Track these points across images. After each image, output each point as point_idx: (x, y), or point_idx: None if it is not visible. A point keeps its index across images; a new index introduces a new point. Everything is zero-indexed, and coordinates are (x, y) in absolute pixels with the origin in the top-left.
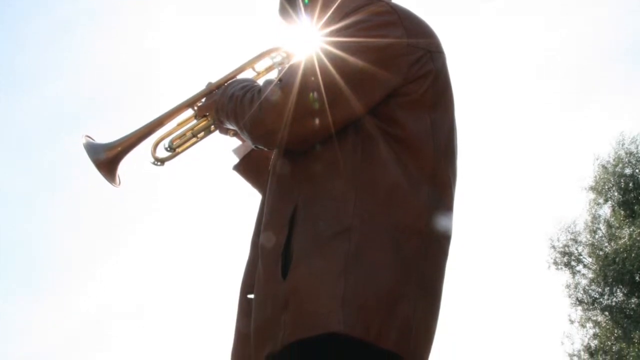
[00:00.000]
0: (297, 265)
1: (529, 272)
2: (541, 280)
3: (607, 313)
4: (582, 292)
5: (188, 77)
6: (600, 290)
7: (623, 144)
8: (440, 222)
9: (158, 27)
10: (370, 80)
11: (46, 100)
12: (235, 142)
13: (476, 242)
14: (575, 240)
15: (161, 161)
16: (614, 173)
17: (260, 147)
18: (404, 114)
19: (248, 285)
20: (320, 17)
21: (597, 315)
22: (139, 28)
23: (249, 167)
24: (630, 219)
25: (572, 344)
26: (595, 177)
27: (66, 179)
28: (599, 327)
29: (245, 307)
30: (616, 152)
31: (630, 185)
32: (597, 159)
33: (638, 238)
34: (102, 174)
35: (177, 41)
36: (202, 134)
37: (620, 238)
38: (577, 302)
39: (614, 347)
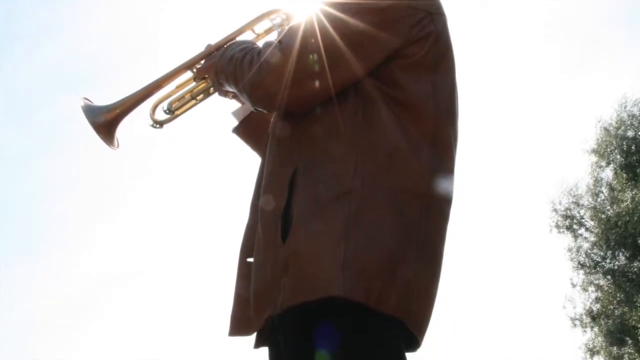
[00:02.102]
0: (296, 228)
1: (530, 235)
2: (543, 243)
3: (609, 277)
4: (584, 255)
5: (187, 38)
6: (602, 253)
7: (625, 107)
8: (441, 185)
9: None
10: (371, 42)
11: (45, 60)
12: (235, 104)
13: (477, 205)
14: (577, 204)
15: (160, 124)
16: (616, 136)
17: (259, 109)
18: (405, 76)
19: (248, 248)
20: None
21: (599, 279)
22: None
23: (248, 129)
24: (633, 182)
25: (574, 308)
26: (598, 139)
27: (65, 141)
28: (601, 291)
29: (244, 271)
30: (618, 115)
31: (633, 148)
32: (599, 122)
33: None
34: (100, 137)
35: (178, 2)
36: (201, 96)
37: (622, 201)
38: (579, 266)
39: (616, 311)
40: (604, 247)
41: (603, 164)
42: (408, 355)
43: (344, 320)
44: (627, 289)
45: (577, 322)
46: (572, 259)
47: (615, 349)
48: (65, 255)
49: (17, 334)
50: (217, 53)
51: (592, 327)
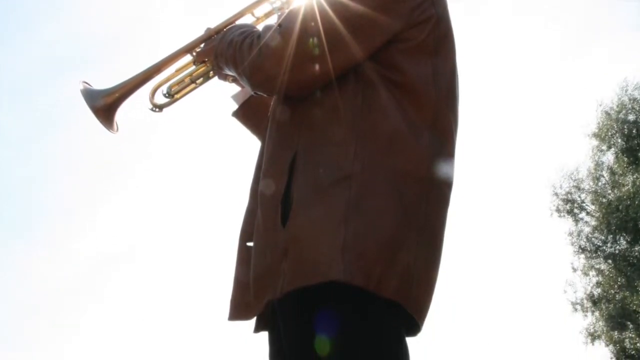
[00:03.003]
0: (296, 213)
1: (531, 219)
2: (543, 227)
3: (610, 261)
4: (585, 239)
5: (187, 21)
6: (603, 238)
7: (626, 90)
8: (442, 168)
9: None
10: (371, 26)
11: (43, 43)
12: (235, 88)
13: (478, 189)
14: (578, 188)
15: (159, 107)
16: (617, 119)
17: (259, 93)
18: (405, 60)
19: (247, 233)
20: None
21: (600, 264)
22: None
23: (248, 113)
24: (634, 166)
25: (574, 292)
26: (599, 123)
27: (63, 124)
28: (602, 276)
29: (244, 255)
30: (619, 99)
31: (634, 131)
32: (600, 105)
33: None
34: (99, 121)
35: None
36: (200, 80)
37: (623, 185)
38: (580, 250)
39: (617, 296)
40: (605, 231)
41: (604, 147)
42: (409, 339)
43: (343, 304)
44: (628, 273)
45: (578, 307)
46: (572, 243)
47: (616, 334)
48: (65, 237)
49: (15, 316)
50: (216, 36)
51: (593, 312)
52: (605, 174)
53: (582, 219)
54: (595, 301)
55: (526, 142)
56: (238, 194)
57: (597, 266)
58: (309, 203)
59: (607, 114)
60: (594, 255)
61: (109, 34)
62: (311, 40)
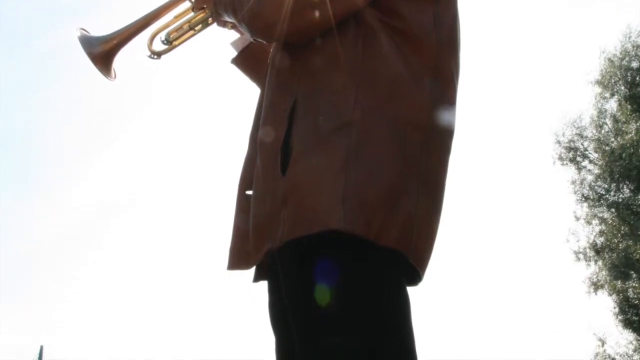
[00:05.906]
0: (296, 160)
1: (533, 167)
2: (546, 176)
3: (613, 209)
4: (587, 188)
5: None
6: (606, 186)
7: (630, 37)
8: (443, 116)
9: None
10: None
11: None
12: (234, 35)
13: (480, 136)
14: (580, 135)
15: (158, 54)
16: (620, 66)
17: (259, 40)
18: (407, 6)
19: (247, 181)
20: None
21: (603, 212)
22: None
23: (247, 60)
24: (637, 114)
25: (577, 241)
26: (602, 70)
27: (61, 72)
28: (605, 224)
29: (243, 204)
30: (623, 45)
31: (637, 79)
32: (603, 52)
33: None
34: (97, 68)
35: None
36: (199, 26)
37: (626, 133)
38: (583, 199)
39: (620, 245)
40: (608, 179)
41: (607, 95)
42: (410, 289)
43: (344, 253)
44: (632, 222)
45: (581, 256)
46: (575, 192)
47: (619, 283)
48: (64, 185)
49: (13, 264)
50: None
51: (596, 261)
52: (609, 121)
53: (585, 167)
54: (598, 250)
55: (529, 89)
56: (237, 141)
57: (600, 215)
58: (309, 151)
59: (610, 61)
60: (597, 203)
61: None
62: None
